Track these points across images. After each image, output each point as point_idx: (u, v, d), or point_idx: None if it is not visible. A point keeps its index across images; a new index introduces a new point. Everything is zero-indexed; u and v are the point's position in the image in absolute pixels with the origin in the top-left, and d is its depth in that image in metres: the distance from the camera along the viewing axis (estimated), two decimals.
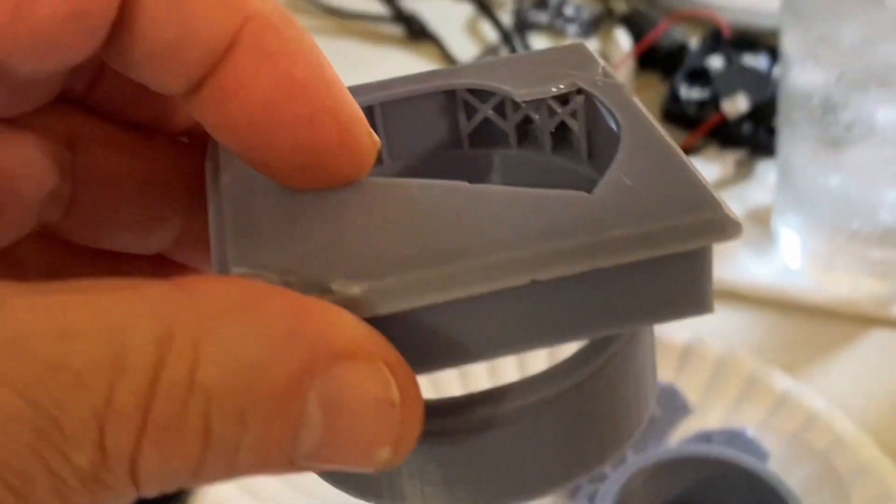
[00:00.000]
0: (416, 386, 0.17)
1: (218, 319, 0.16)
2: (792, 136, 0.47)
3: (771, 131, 0.55)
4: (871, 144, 0.45)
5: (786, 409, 0.43)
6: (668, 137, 0.20)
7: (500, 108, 0.22)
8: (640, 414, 0.21)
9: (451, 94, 0.23)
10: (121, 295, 0.16)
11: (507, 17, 0.68)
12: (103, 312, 0.15)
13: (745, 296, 0.50)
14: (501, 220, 0.18)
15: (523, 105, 0.22)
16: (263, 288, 0.17)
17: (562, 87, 0.21)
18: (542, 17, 0.67)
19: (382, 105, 0.22)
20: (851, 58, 0.42)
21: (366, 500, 0.20)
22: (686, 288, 0.18)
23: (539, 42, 0.66)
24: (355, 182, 0.20)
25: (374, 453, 0.17)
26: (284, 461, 0.17)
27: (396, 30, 0.68)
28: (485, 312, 0.17)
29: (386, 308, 0.17)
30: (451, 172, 0.22)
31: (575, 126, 0.22)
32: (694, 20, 0.65)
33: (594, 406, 0.20)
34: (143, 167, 0.22)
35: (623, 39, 0.62)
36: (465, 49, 0.66)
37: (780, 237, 0.51)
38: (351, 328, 0.17)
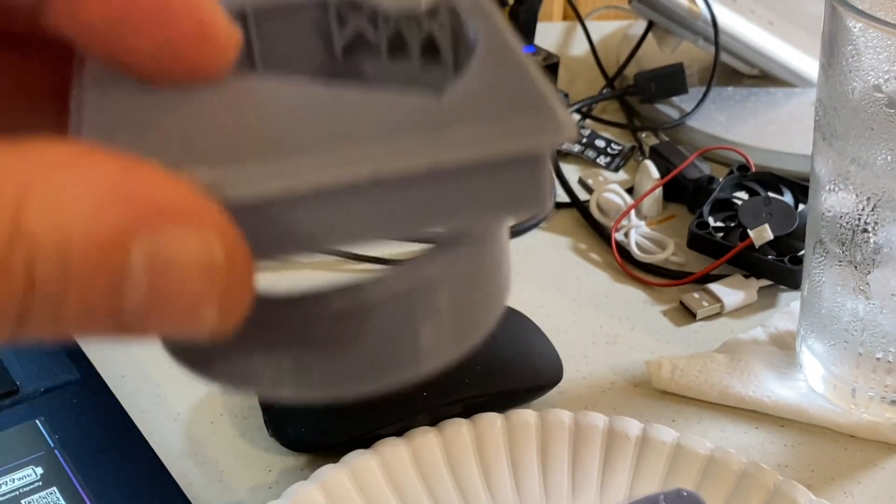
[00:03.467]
0: (243, 252, 0.18)
1: (46, 171, 0.16)
2: (819, 259, 0.48)
3: (795, 261, 0.57)
4: None
5: None
6: (520, 49, 0.21)
7: (372, 21, 0.24)
8: (490, 310, 0.22)
9: (324, 6, 0.24)
10: None
11: None
12: None
13: (768, 414, 0.51)
14: (351, 118, 0.19)
15: (394, 19, 0.23)
16: (97, 149, 0.17)
17: (429, 1, 0.23)
18: (574, 147, 0.70)
19: (256, 13, 0.23)
20: (884, 180, 0.43)
21: (222, 384, 0.21)
22: (524, 187, 0.19)
23: (570, 170, 0.68)
24: (220, 79, 0.20)
25: (199, 312, 0.17)
26: (111, 318, 0.17)
27: None
28: (331, 204, 0.18)
29: (233, 194, 0.17)
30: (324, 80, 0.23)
31: (441, 40, 0.23)
32: (720, 158, 0.68)
33: (441, 302, 0.20)
34: (4, 77, 0.22)
35: (652, 170, 0.65)
36: None
37: (803, 362, 0.52)
38: (180, 191, 0.17)
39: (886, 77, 0.42)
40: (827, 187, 0.46)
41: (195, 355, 0.20)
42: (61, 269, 0.16)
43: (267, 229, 0.18)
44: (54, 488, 0.44)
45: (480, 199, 0.19)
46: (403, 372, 0.21)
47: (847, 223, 0.46)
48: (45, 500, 0.43)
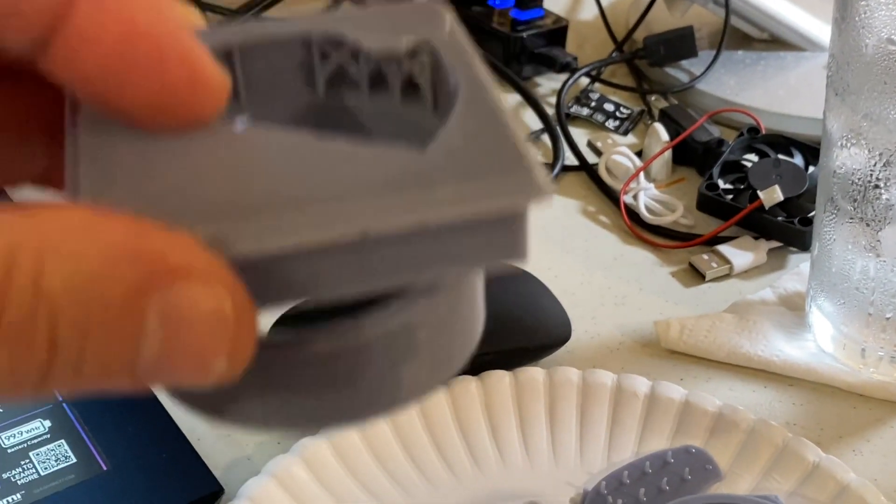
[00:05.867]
0: (248, 304, 0.19)
1: (60, 236, 0.17)
2: (830, 216, 0.48)
3: (804, 223, 0.56)
4: None
5: (817, 480, 0.43)
6: (499, 98, 0.22)
7: (354, 57, 0.24)
8: (465, 345, 0.23)
9: (307, 41, 0.24)
10: None
11: (549, 109, 0.70)
12: None
13: (777, 373, 0.50)
14: (341, 172, 0.20)
15: (375, 58, 0.24)
16: (105, 212, 0.18)
17: (409, 43, 0.23)
18: (583, 110, 0.69)
19: (241, 49, 0.24)
20: None
21: (213, 420, 0.21)
22: (503, 241, 0.20)
23: (579, 134, 0.68)
24: (210, 124, 0.21)
25: (210, 364, 0.18)
26: (126, 372, 0.18)
27: None
28: (323, 258, 0.19)
29: (236, 251, 0.18)
30: (307, 117, 0.24)
31: (421, 80, 0.24)
32: (730, 122, 0.67)
33: (421, 343, 0.21)
34: None
35: (661, 133, 0.64)
36: None
37: (813, 322, 0.52)
38: (188, 249, 0.18)
39: None
40: (839, 143, 0.46)
41: (193, 396, 0.21)
42: (80, 329, 0.17)
43: (264, 281, 0.19)
44: (62, 441, 0.44)
45: (462, 252, 0.20)
46: (383, 408, 0.22)
47: (859, 180, 0.45)
48: (53, 453, 0.43)
